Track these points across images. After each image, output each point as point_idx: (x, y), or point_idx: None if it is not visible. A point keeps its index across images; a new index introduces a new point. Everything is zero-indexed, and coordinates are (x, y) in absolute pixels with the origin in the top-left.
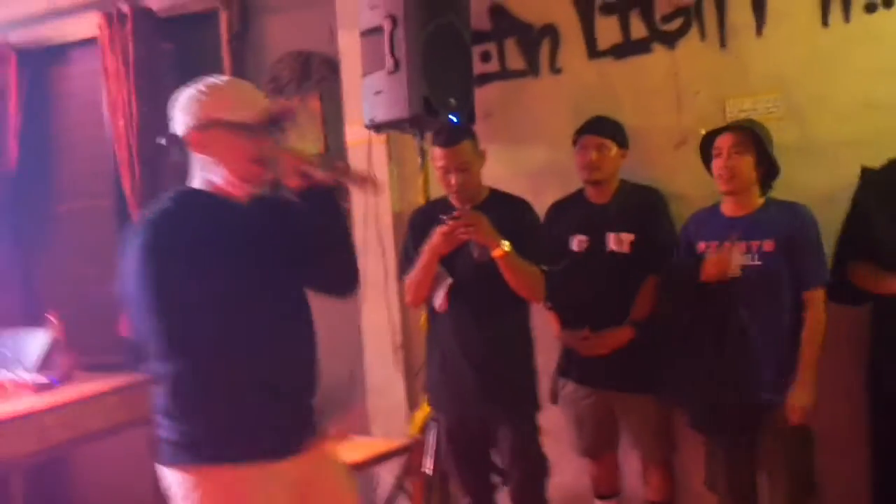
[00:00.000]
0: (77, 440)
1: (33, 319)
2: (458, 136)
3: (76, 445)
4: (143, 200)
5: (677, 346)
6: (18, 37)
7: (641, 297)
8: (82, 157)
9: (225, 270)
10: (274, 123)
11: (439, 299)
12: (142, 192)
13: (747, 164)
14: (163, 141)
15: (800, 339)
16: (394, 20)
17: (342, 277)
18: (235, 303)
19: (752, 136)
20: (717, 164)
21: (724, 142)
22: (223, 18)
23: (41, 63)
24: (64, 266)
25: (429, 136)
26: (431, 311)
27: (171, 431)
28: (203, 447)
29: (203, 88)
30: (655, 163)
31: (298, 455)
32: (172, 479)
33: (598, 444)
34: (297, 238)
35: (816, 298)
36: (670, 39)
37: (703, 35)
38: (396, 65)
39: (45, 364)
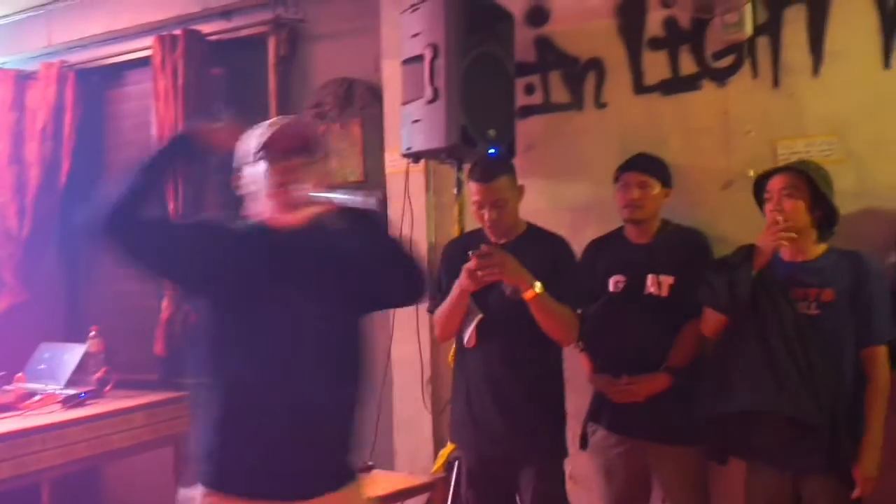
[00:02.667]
0: (102, 455)
1: (76, 334)
2: (494, 171)
3: (102, 460)
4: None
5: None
6: (77, 57)
7: (680, 343)
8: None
9: (261, 299)
10: (302, 148)
11: (468, 334)
12: (184, 212)
13: (800, 208)
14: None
15: (861, 399)
16: (435, 49)
17: (399, 287)
18: (268, 334)
19: (806, 179)
20: (768, 207)
21: (775, 184)
22: (271, 43)
23: (97, 83)
24: (107, 283)
25: (465, 167)
26: (460, 346)
27: (197, 451)
28: (223, 475)
29: (253, 131)
30: (700, 204)
31: (321, 499)
32: (187, 497)
33: (628, 497)
34: (347, 259)
35: (880, 356)
36: (721, 76)
37: (755, 73)
38: (436, 93)
39: (77, 378)
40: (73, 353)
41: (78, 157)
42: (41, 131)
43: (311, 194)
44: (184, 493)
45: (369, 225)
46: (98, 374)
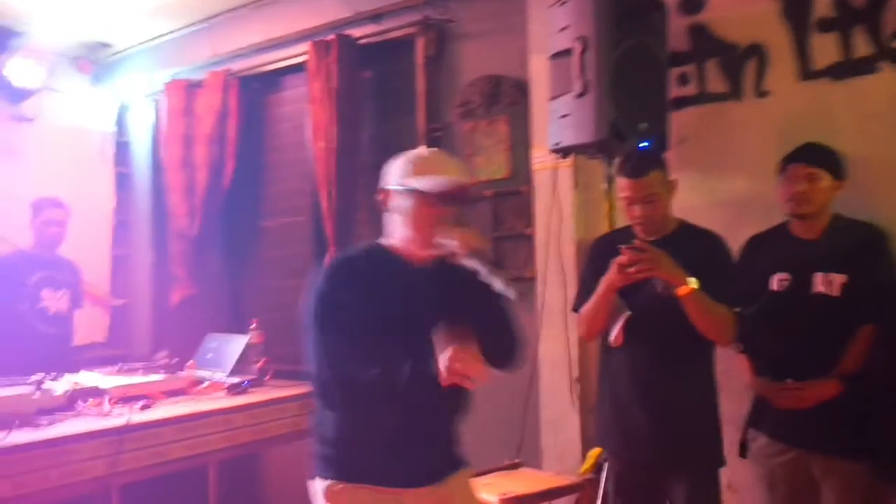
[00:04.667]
0: (262, 441)
1: (240, 326)
2: (644, 166)
3: (262, 446)
4: (337, 219)
5: None
6: (239, 66)
7: (854, 348)
8: (287, 176)
9: (383, 322)
10: (456, 199)
11: (614, 333)
12: (336, 212)
13: None
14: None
15: None
16: (584, 42)
17: (500, 354)
18: (383, 355)
19: None
20: None
21: None
22: (419, 44)
23: (257, 89)
24: (266, 277)
25: (615, 162)
26: (605, 346)
27: (317, 446)
28: (341, 465)
29: (404, 156)
30: (877, 197)
31: (433, 485)
32: (315, 489)
33: None
34: (460, 309)
35: None
36: None
37: None
38: (585, 87)
39: (240, 368)
40: (236, 344)
41: (241, 160)
42: (208, 136)
43: (455, 249)
44: (312, 484)
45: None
46: (259, 364)
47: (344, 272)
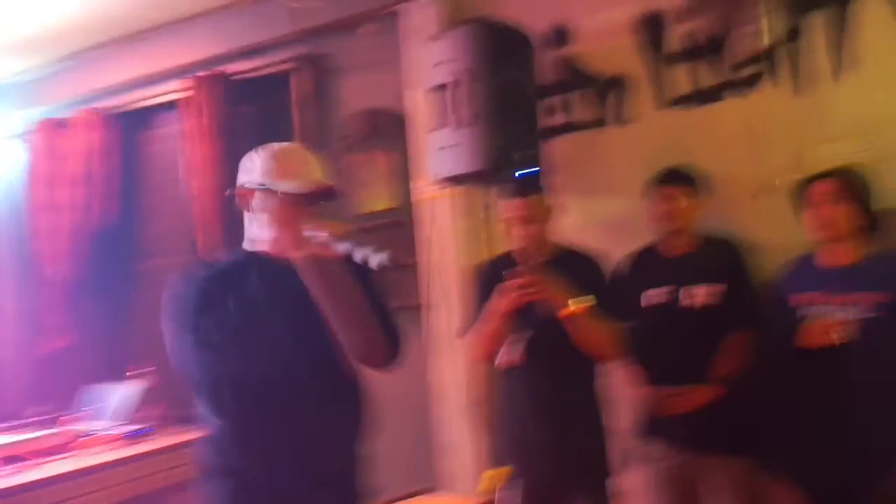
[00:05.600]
0: (156, 492)
1: (121, 374)
2: (525, 188)
3: (150, 498)
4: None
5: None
6: (112, 102)
7: (725, 353)
8: (164, 215)
9: (252, 332)
10: (321, 196)
11: (507, 354)
12: (215, 251)
13: (844, 213)
14: (227, 193)
15: None
16: (459, 76)
17: (368, 350)
18: (261, 364)
19: (848, 183)
20: (807, 213)
21: (818, 188)
22: (294, 80)
23: (131, 127)
24: (148, 321)
25: (494, 190)
26: (501, 367)
27: (203, 476)
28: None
29: (263, 152)
30: (731, 214)
31: None
32: None
33: None
34: (331, 303)
35: None
36: (743, 86)
37: (777, 81)
38: (463, 120)
39: (123, 415)
40: (121, 392)
41: (114, 200)
42: (74, 177)
43: (325, 241)
44: None
45: (361, 273)
46: (154, 411)
47: (205, 277)
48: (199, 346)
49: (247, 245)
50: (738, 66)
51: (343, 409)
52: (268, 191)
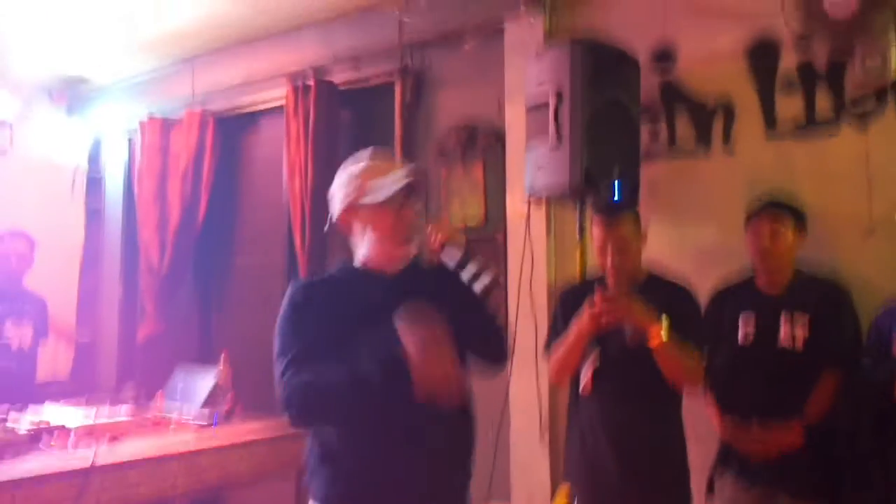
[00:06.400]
0: (230, 482)
1: (208, 362)
2: (618, 213)
3: (231, 487)
4: (311, 258)
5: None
6: (217, 104)
7: (817, 397)
8: (262, 215)
9: (356, 343)
10: (411, 193)
11: (585, 379)
12: (310, 251)
13: None
14: (325, 229)
15: None
16: (559, 96)
17: (487, 349)
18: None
19: None
20: None
21: None
22: (398, 90)
23: (234, 128)
24: (238, 314)
25: (588, 211)
26: (574, 392)
27: (309, 481)
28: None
29: (344, 177)
30: (839, 253)
31: None
32: None
33: None
34: (444, 305)
35: None
36: (862, 119)
37: None
38: (560, 138)
39: (210, 401)
40: (206, 377)
41: (215, 197)
42: (183, 173)
43: (433, 246)
44: None
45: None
46: (228, 400)
47: (309, 292)
48: (309, 363)
49: (357, 264)
50: (858, 99)
51: (457, 426)
52: (361, 207)
